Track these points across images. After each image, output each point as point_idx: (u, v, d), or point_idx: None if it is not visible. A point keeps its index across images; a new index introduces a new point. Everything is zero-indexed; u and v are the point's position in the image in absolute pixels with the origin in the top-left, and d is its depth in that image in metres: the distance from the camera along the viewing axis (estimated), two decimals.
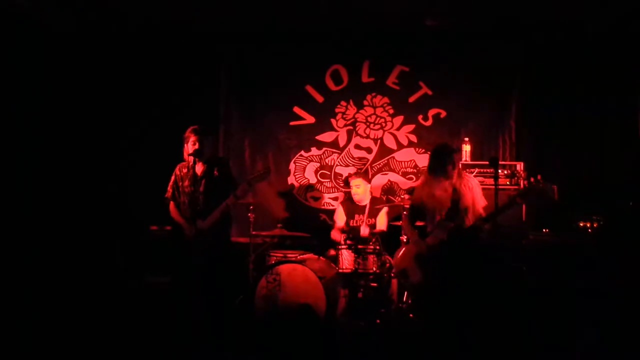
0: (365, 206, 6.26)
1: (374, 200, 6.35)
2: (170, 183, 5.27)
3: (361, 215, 6.26)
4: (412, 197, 5.27)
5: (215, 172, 5.18)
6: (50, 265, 6.00)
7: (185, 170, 5.19)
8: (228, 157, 6.94)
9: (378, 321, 5.43)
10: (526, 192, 4.75)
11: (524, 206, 5.92)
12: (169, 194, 5.26)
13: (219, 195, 5.09)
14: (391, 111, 6.96)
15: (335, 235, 6.25)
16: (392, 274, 5.72)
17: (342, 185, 6.95)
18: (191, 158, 5.03)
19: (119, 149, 6.77)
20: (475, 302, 4.69)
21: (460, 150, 5.18)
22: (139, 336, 5.01)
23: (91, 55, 6.76)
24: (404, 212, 5.52)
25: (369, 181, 6.55)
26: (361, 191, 6.28)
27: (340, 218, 6.41)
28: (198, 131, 5.12)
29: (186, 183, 5.14)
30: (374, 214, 6.22)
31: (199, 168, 5.17)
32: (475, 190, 4.94)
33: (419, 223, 5.18)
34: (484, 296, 4.74)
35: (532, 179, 4.69)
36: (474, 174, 5.92)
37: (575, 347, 4.70)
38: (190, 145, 5.09)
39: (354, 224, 6.28)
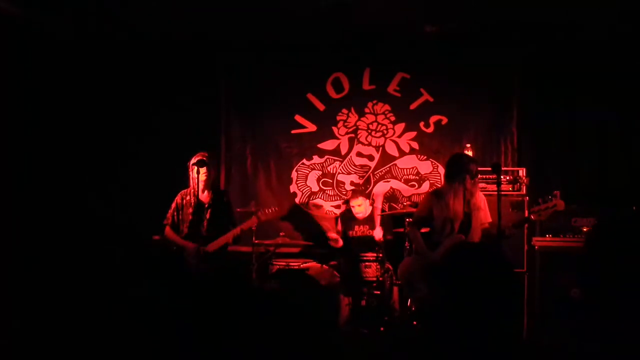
0: (366, 218, 6.28)
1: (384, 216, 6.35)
2: (171, 210, 5.29)
3: (361, 227, 6.26)
4: (420, 207, 5.26)
5: (220, 201, 5.27)
6: (51, 274, 6.00)
7: (188, 198, 5.22)
8: (230, 167, 7.02)
9: (382, 329, 5.41)
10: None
11: (526, 212, 5.92)
12: (168, 220, 5.28)
13: (222, 224, 5.20)
14: (392, 118, 6.96)
15: (332, 235, 6.26)
16: (397, 283, 5.70)
17: (344, 193, 6.94)
18: (199, 186, 5.13)
19: (120, 157, 6.78)
20: (482, 312, 4.66)
21: (476, 161, 5.17)
22: (139, 344, 4.99)
23: (91, 64, 6.78)
24: (409, 221, 5.46)
25: (367, 196, 6.52)
26: (363, 208, 6.28)
27: (332, 229, 6.42)
28: (205, 162, 5.12)
29: (189, 210, 5.18)
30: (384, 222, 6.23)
31: (205, 196, 5.23)
32: (484, 206, 4.95)
33: (423, 230, 5.18)
34: (484, 302, 4.72)
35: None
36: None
37: (577, 351, 4.69)
38: (202, 176, 5.13)
39: (354, 234, 6.27)
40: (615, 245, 5.13)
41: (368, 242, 6.10)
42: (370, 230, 6.19)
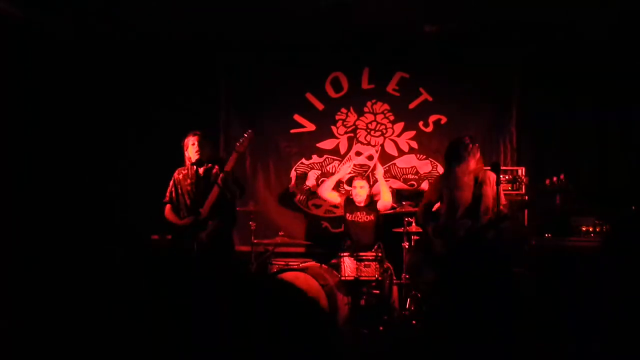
0: (365, 206, 6.30)
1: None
2: (169, 188, 5.30)
3: (360, 213, 6.26)
4: (429, 193, 5.21)
5: (216, 171, 5.20)
6: (50, 273, 5.99)
7: (185, 172, 5.25)
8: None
9: (381, 328, 5.41)
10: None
11: (526, 211, 5.92)
12: (167, 198, 5.28)
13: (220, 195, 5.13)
14: (392, 118, 6.96)
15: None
16: (396, 282, 5.70)
17: (343, 192, 6.95)
18: (191, 165, 5.16)
19: (119, 157, 6.77)
20: (481, 305, 4.66)
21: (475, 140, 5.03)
22: (139, 344, 4.99)
23: (90, 63, 6.76)
24: (420, 209, 5.36)
25: (371, 186, 6.56)
26: (364, 192, 6.30)
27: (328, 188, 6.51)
28: (198, 137, 5.20)
29: (187, 182, 5.19)
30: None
31: (201, 170, 5.23)
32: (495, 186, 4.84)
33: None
34: (484, 301, 4.72)
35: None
36: None
37: (577, 352, 4.68)
38: (193, 153, 5.16)
39: (353, 219, 6.27)
40: (633, 246, 5.14)
41: (366, 228, 6.15)
42: (369, 216, 6.20)
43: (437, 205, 5.07)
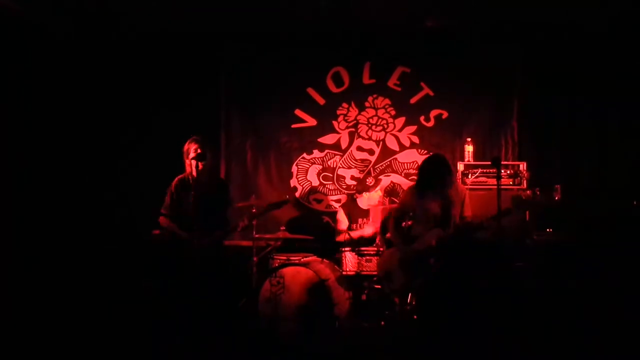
0: (368, 210, 6.29)
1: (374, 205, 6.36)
2: (167, 197, 5.29)
3: (365, 219, 6.27)
4: (401, 201, 5.33)
5: (214, 192, 5.24)
6: (50, 270, 6.02)
7: (185, 183, 5.23)
8: (230, 162, 7.02)
9: (382, 323, 5.42)
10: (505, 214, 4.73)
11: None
12: (164, 210, 5.28)
13: (219, 211, 5.24)
14: (393, 112, 6.96)
15: (341, 238, 6.24)
16: (374, 278, 5.68)
17: (345, 187, 6.95)
18: (194, 163, 5.10)
19: (119, 153, 6.77)
20: (472, 305, 4.69)
21: (448, 163, 5.16)
22: (139, 340, 5.01)
23: (89, 61, 6.78)
24: (392, 215, 5.45)
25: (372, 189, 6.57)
26: (365, 198, 6.30)
27: (343, 222, 6.39)
28: (198, 139, 5.18)
29: (190, 200, 5.15)
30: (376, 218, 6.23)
31: (200, 183, 5.21)
32: (465, 200, 5.08)
33: (408, 223, 5.30)
34: (484, 297, 4.74)
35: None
36: (477, 174, 5.92)
37: (577, 346, 4.69)
38: (192, 153, 5.13)
39: (357, 228, 6.26)
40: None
41: (371, 238, 6.11)
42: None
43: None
